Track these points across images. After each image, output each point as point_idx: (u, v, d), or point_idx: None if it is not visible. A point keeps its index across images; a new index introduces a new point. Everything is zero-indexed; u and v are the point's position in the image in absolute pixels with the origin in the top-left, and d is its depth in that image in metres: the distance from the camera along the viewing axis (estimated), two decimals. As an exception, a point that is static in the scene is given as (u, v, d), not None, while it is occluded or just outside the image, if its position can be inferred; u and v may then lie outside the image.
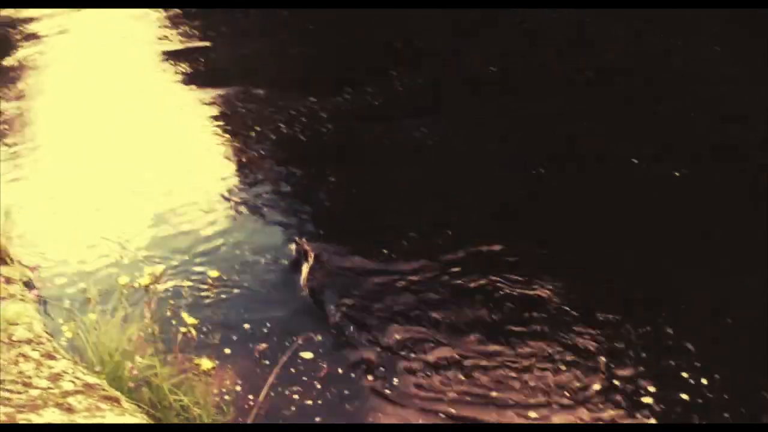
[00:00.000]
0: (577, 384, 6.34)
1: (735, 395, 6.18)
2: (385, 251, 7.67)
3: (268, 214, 8.70)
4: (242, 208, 8.83)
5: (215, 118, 11.44)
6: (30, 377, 3.18)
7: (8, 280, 4.19)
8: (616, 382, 6.31)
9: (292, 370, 6.08)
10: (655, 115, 10.48)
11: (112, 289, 7.05)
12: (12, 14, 21.75)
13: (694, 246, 8.00)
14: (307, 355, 6.26)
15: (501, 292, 7.05)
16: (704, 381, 6.36)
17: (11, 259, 4.96)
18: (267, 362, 6.12)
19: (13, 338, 3.48)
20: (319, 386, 6.05)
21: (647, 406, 6.13)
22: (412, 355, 6.28)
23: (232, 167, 9.81)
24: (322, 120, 10.60)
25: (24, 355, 3.37)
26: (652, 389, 6.24)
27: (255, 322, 6.76)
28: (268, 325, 6.74)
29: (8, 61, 16.99)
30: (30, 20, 20.63)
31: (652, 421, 6.01)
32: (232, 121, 11.17)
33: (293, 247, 7.86)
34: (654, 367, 6.47)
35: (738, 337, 6.76)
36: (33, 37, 18.92)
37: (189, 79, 13.40)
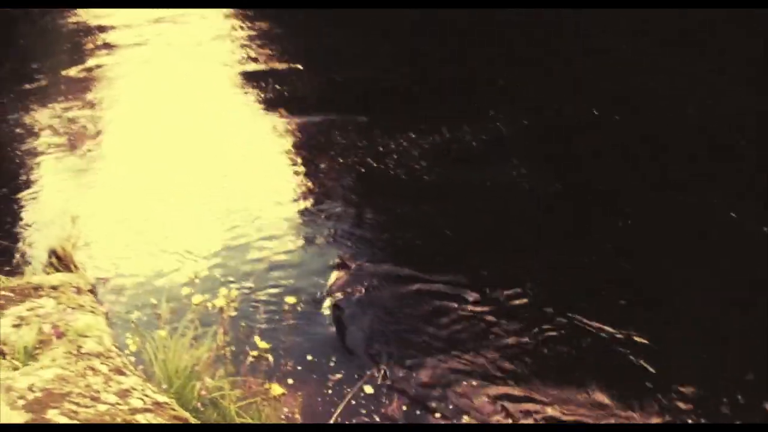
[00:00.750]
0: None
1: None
2: (449, 293, 7.54)
3: (345, 246, 8.56)
4: (319, 238, 8.70)
5: (298, 145, 11.36)
6: (98, 391, 3.04)
7: (79, 290, 4.07)
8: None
9: (353, 402, 5.96)
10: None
11: (183, 307, 6.96)
12: (89, 21, 22.18)
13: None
14: (369, 390, 6.12)
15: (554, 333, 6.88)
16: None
17: (76, 267, 4.88)
18: (335, 393, 6.00)
19: (82, 350, 3.36)
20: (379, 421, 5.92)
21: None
22: (483, 399, 6.13)
23: (310, 196, 9.71)
24: (414, 158, 10.21)
25: (93, 369, 3.24)
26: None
27: (328, 352, 6.63)
28: (340, 356, 6.61)
29: (83, 70, 17.27)
30: (107, 29, 21.03)
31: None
32: (315, 150, 11.08)
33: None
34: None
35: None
36: (109, 47, 19.24)
37: (274, 104, 13.28)
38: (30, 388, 2.99)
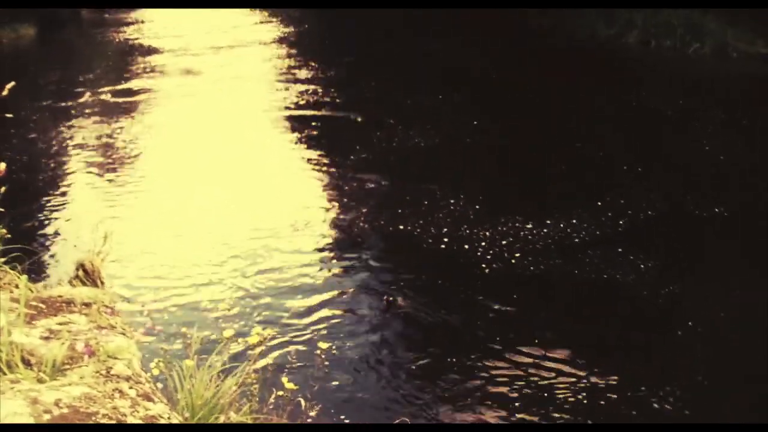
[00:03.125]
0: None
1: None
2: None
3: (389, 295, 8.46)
4: (362, 286, 8.60)
5: (361, 201, 11.08)
6: (125, 415, 2.95)
7: (111, 311, 3.99)
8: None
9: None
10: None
11: (213, 339, 6.89)
12: (137, 42, 22.43)
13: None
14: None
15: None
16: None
17: (103, 282, 4.80)
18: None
19: (111, 372, 3.27)
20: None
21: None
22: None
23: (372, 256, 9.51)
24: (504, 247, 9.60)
25: (121, 391, 3.15)
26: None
27: (355, 401, 6.55)
28: (368, 404, 6.53)
29: (125, 89, 17.44)
30: (154, 52, 21.27)
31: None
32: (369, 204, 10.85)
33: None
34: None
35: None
36: (155, 69, 19.47)
37: (335, 165, 12.77)
38: (56, 404, 2.91)
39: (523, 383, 6.72)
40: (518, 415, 6.29)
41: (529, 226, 9.78)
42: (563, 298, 8.23)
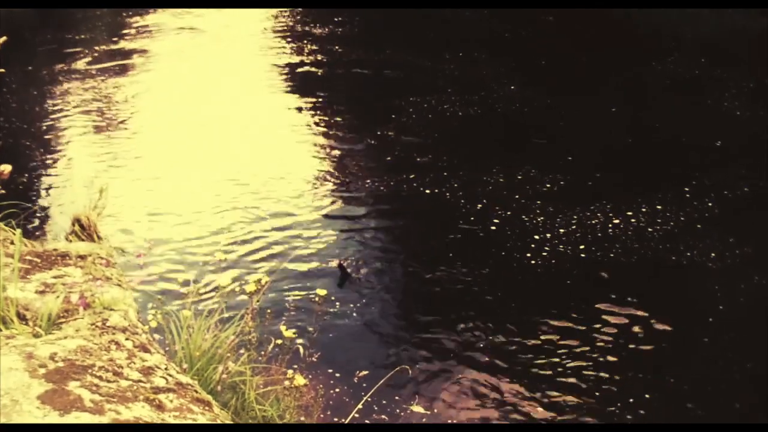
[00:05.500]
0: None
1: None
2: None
3: (387, 248, 8.40)
4: (364, 241, 8.55)
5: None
6: (121, 367, 2.94)
7: (107, 262, 3.96)
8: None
9: (373, 399, 5.87)
10: None
11: (210, 289, 6.90)
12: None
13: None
14: (389, 388, 6.03)
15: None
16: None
17: (99, 237, 4.78)
18: (356, 389, 5.91)
19: (107, 324, 3.25)
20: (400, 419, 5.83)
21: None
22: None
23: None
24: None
25: (117, 343, 3.14)
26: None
27: (353, 347, 6.56)
28: (366, 352, 6.53)
29: (122, 49, 17.24)
30: (153, 11, 20.92)
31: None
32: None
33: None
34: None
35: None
36: (152, 30, 19.17)
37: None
38: (52, 357, 2.89)
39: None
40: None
41: (599, 211, 9.44)
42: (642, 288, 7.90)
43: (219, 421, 3.14)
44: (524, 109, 12.77)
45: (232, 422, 3.76)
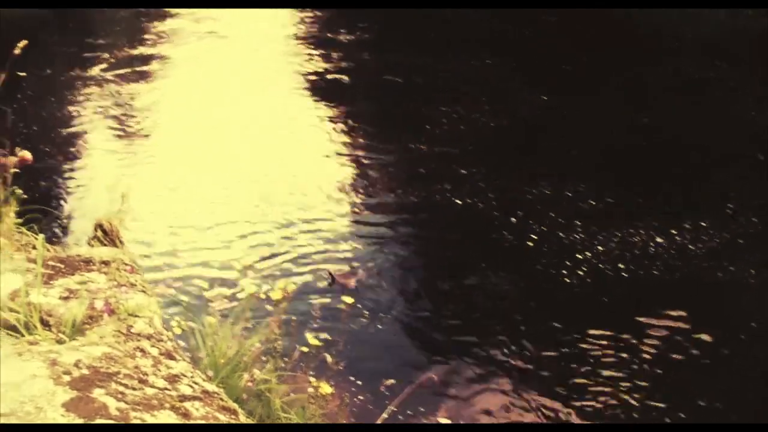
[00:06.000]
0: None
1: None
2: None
3: (414, 257, 8.30)
4: (392, 250, 8.46)
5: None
6: (147, 374, 2.88)
7: (131, 268, 3.91)
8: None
9: (399, 409, 5.79)
10: None
11: (235, 296, 6.84)
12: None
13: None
14: (416, 396, 5.95)
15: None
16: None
17: (122, 242, 4.74)
18: (383, 398, 5.84)
19: (132, 330, 3.19)
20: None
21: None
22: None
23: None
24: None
25: (142, 350, 3.09)
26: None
27: (381, 356, 6.49)
28: (393, 361, 6.46)
29: (142, 54, 17.24)
30: (173, 16, 20.91)
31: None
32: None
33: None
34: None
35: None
36: (171, 35, 19.16)
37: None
38: (76, 365, 2.83)
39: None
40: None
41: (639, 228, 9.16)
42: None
43: (247, 431, 3.09)
44: (558, 119, 12.59)
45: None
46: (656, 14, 19.10)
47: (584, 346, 6.73)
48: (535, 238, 8.38)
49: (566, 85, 14.52)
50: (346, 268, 7.77)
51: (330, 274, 7.54)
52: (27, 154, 5.27)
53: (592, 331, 6.86)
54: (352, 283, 7.49)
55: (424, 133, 11.56)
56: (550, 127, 12.19)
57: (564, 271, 7.76)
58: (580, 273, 7.78)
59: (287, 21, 20.21)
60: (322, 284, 7.45)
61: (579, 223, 8.72)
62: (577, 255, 8.09)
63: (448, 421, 5.96)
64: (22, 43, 5.30)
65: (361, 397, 5.93)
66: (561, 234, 8.51)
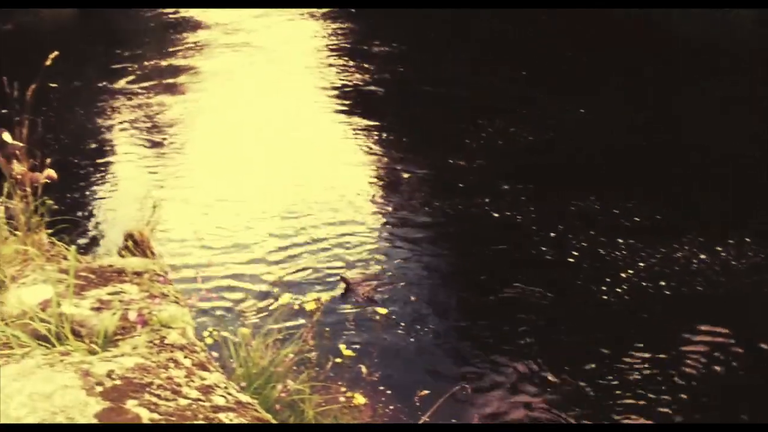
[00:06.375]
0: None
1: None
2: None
3: (439, 268, 8.21)
4: (427, 263, 8.37)
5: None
6: (180, 385, 2.84)
7: (163, 279, 3.87)
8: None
9: (431, 420, 5.71)
10: None
11: (268, 307, 6.80)
12: (183, 17, 22.11)
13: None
14: (449, 407, 5.87)
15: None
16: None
17: (152, 252, 4.71)
18: (416, 408, 5.78)
19: (165, 341, 3.15)
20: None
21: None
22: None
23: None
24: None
25: (175, 361, 3.04)
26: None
27: (414, 367, 6.42)
28: (426, 372, 6.39)
29: (172, 63, 17.29)
30: (203, 27, 20.94)
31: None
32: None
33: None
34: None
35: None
36: (201, 44, 19.19)
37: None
38: (109, 375, 2.79)
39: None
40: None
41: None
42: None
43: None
44: (598, 133, 12.32)
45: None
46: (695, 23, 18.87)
47: (623, 363, 6.60)
48: (575, 253, 8.23)
49: (606, 100, 14.33)
50: (364, 274, 7.69)
51: (343, 278, 7.46)
52: (52, 173, 5.28)
53: (631, 349, 6.74)
54: (367, 289, 7.41)
55: (460, 146, 11.45)
56: (590, 141, 11.99)
57: (603, 287, 7.62)
58: (620, 289, 7.63)
59: (319, 32, 20.16)
60: (353, 297, 7.37)
61: (620, 239, 8.55)
62: (617, 271, 7.93)
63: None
64: (53, 53, 5.31)
65: (394, 408, 5.86)
66: (601, 250, 8.36)
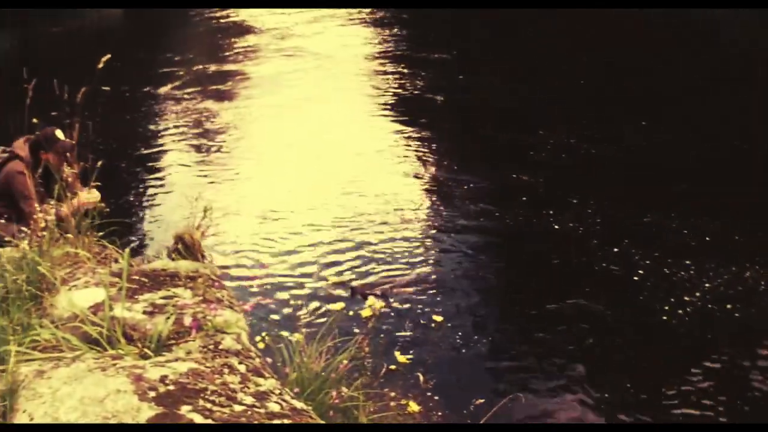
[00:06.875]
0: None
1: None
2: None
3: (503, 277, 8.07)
4: (484, 274, 8.22)
5: None
6: (235, 391, 2.77)
7: (219, 284, 3.82)
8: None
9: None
10: None
11: (322, 312, 6.73)
12: (230, 21, 22.19)
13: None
14: (511, 415, 5.77)
15: None
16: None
17: (203, 256, 4.66)
18: (471, 416, 5.68)
19: (220, 347, 3.09)
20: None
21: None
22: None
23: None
24: None
25: (230, 367, 2.98)
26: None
27: (470, 374, 6.32)
28: (483, 379, 6.30)
29: (223, 69, 17.34)
30: (251, 32, 20.95)
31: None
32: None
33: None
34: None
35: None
36: (253, 50, 19.20)
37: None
38: (162, 380, 2.73)
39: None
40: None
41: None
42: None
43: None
44: (663, 148, 11.96)
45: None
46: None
47: (687, 385, 6.39)
48: (640, 270, 8.00)
49: (671, 114, 13.98)
50: (402, 280, 7.59)
51: (351, 288, 7.36)
52: (96, 198, 5.32)
53: (695, 370, 6.52)
54: (376, 296, 7.30)
55: (521, 157, 11.24)
56: (655, 156, 11.65)
57: (666, 307, 7.38)
58: (685, 309, 7.36)
59: (372, 38, 20.06)
60: (412, 303, 7.27)
61: (687, 259, 8.25)
62: (683, 291, 7.66)
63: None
64: (105, 57, 5.31)
65: (449, 416, 5.75)
66: (666, 269, 8.10)
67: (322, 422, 3.19)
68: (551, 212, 9.13)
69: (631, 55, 18.25)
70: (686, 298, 7.44)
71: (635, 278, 7.75)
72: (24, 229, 4.40)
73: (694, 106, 14.31)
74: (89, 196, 5.55)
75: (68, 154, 5.16)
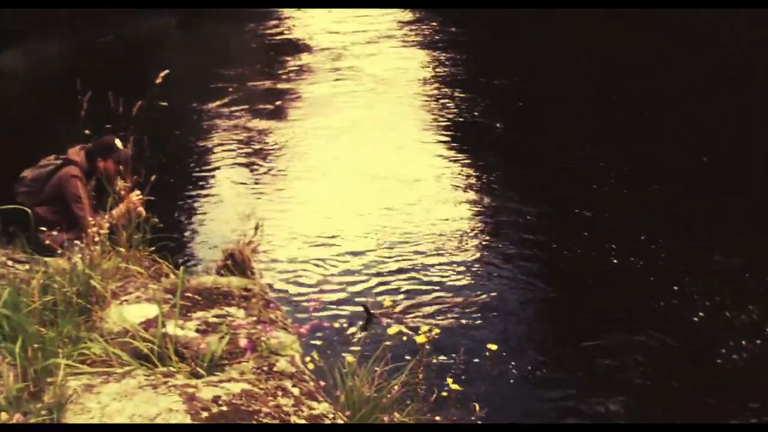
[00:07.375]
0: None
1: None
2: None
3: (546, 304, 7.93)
4: (541, 299, 8.07)
5: None
6: (288, 414, 2.69)
7: (275, 305, 3.74)
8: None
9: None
10: None
11: (375, 336, 6.63)
12: (283, 37, 22.14)
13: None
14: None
15: None
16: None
17: (253, 273, 4.59)
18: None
19: (274, 369, 3.01)
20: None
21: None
22: None
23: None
24: None
25: (283, 389, 2.90)
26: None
27: (524, 403, 6.20)
28: (537, 408, 6.19)
29: (272, 86, 17.34)
30: (304, 50, 20.92)
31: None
32: None
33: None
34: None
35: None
36: (305, 69, 19.16)
37: None
38: (215, 401, 2.65)
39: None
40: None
41: None
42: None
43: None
44: (736, 174, 11.42)
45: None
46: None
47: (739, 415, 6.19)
48: (704, 309, 7.67)
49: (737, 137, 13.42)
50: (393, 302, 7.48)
51: (365, 306, 7.23)
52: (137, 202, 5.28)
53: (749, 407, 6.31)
54: (390, 320, 7.17)
55: (585, 186, 10.89)
56: (721, 184, 11.04)
57: (724, 350, 7.08)
58: (749, 354, 7.08)
59: (430, 62, 19.86)
60: (466, 329, 7.15)
61: (753, 306, 7.83)
62: (748, 335, 7.34)
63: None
64: (164, 72, 5.30)
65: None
66: (727, 313, 7.70)
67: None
68: (613, 246, 8.86)
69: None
70: (753, 344, 7.15)
71: (695, 320, 7.50)
72: (73, 239, 4.35)
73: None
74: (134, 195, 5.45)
75: (123, 166, 5.10)
